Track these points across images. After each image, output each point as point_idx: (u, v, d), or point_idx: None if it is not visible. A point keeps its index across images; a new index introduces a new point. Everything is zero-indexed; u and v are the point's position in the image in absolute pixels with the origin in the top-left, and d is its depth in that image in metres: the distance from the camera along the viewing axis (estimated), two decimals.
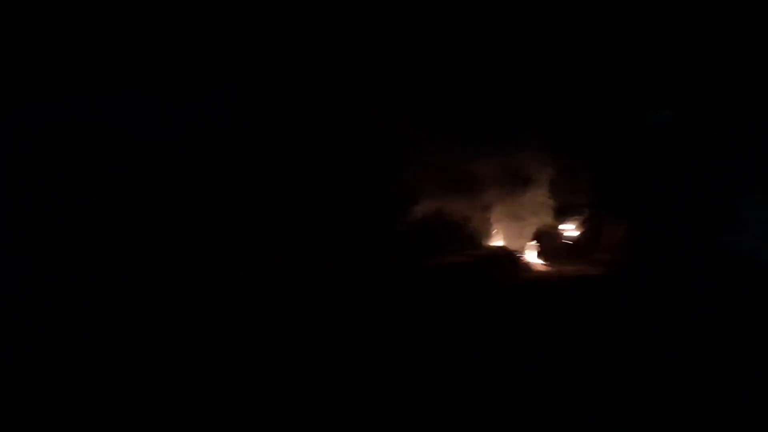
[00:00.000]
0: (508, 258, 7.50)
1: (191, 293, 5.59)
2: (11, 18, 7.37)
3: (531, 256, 7.85)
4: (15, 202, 7.02)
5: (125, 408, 3.76)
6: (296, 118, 7.98)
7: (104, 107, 7.83)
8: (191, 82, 7.97)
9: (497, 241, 7.96)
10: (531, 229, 8.02)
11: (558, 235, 8.10)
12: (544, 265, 7.68)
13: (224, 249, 6.58)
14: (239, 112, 8.06)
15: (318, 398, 3.87)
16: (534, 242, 7.97)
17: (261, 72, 7.98)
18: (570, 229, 8.07)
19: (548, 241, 8.02)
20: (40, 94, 7.72)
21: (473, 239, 7.84)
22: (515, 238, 7.97)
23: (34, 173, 7.24)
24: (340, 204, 7.52)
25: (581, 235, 7.98)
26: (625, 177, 7.64)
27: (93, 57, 7.81)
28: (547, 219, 8.04)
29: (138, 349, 4.60)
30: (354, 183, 7.62)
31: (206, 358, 4.38)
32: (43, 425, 3.61)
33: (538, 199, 7.96)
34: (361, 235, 7.23)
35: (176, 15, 7.74)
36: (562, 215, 8.08)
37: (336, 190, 7.62)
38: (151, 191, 7.29)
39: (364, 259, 6.78)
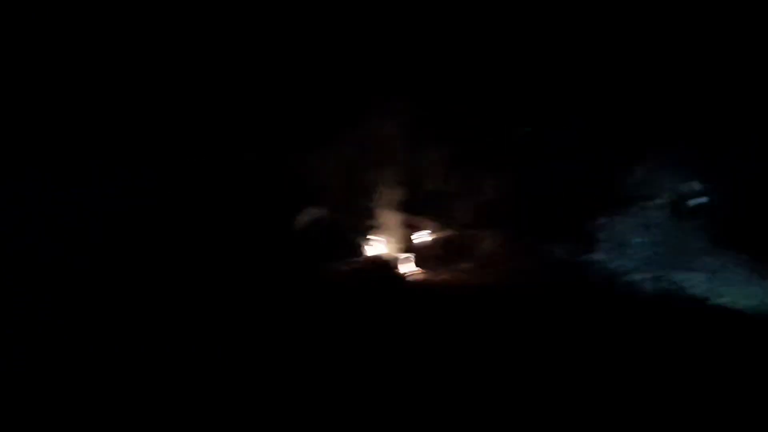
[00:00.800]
0: (387, 266, 7.63)
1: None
2: None
3: (407, 263, 8.05)
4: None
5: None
6: None
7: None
8: None
9: (377, 249, 8.11)
10: (408, 238, 8.31)
11: (429, 243, 8.43)
12: (419, 272, 7.91)
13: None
14: None
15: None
16: (408, 250, 8.20)
17: None
18: (427, 238, 8.40)
19: (421, 250, 8.32)
20: None
21: (355, 246, 8.07)
22: (393, 246, 8.15)
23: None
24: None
25: (458, 243, 8.35)
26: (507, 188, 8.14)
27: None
28: (422, 228, 8.38)
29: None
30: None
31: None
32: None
33: (417, 208, 8.34)
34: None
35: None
36: (437, 225, 8.45)
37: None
38: None
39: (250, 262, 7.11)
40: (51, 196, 7.03)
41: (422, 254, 8.26)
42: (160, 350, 5.04)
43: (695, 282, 6.58)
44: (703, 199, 7.87)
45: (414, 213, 8.40)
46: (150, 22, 7.91)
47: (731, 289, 6.48)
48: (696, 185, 7.92)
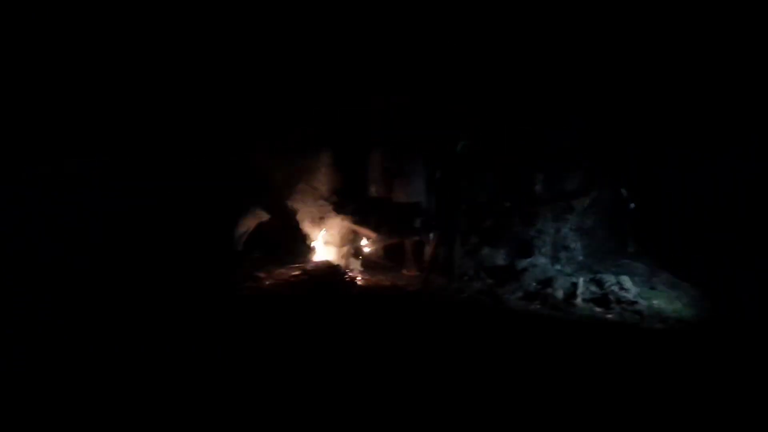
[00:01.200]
0: (336, 271, 7.72)
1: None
2: None
3: (352, 269, 8.20)
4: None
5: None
6: None
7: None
8: None
9: (322, 254, 8.23)
10: (353, 244, 8.53)
11: (373, 250, 8.71)
12: (365, 278, 8.05)
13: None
14: None
15: None
16: (354, 256, 8.44)
17: None
18: (371, 244, 8.62)
19: (365, 256, 8.63)
20: None
21: (300, 252, 8.24)
22: (338, 252, 8.31)
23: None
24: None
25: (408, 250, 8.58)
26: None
27: None
28: (365, 234, 8.59)
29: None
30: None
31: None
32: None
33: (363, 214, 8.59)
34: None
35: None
36: (380, 231, 8.64)
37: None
38: None
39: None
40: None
41: (366, 260, 8.46)
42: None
43: (627, 285, 6.92)
44: (633, 206, 8.26)
45: (358, 219, 8.54)
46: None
47: (660, 292, 6.96)
48: (628, 192, 8.29)
